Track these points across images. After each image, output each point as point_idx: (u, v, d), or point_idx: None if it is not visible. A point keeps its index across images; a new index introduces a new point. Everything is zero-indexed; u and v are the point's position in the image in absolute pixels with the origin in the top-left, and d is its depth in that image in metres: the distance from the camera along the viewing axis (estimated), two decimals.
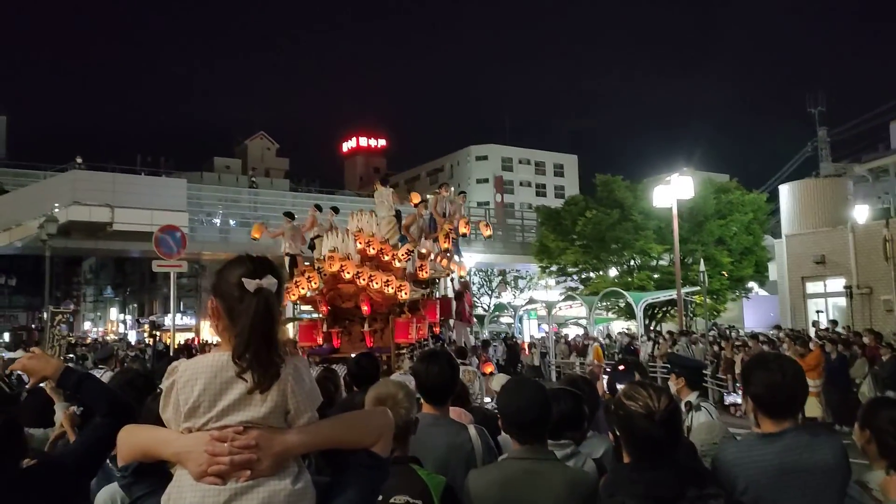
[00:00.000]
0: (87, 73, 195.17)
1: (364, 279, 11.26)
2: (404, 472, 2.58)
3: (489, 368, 12.87)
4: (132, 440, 1.78)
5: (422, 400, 3.41)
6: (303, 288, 12.02)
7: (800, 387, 2.58)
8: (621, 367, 3.68)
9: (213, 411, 1.65)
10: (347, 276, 11.30)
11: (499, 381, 7.62)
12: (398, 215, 13.45)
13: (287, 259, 13.88)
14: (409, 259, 11.90)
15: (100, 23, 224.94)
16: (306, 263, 13.49)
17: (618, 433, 2.32)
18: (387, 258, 11.94)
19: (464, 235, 14.88)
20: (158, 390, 3.39)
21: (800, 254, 25.32)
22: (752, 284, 32.81)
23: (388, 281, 11.23)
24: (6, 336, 43.30)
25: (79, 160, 29.90)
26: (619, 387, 3.27)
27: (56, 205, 23.50)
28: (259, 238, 14.78)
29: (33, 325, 40.58)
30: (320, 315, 12.61)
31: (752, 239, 30.44)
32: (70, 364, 2.81)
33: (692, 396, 4.77)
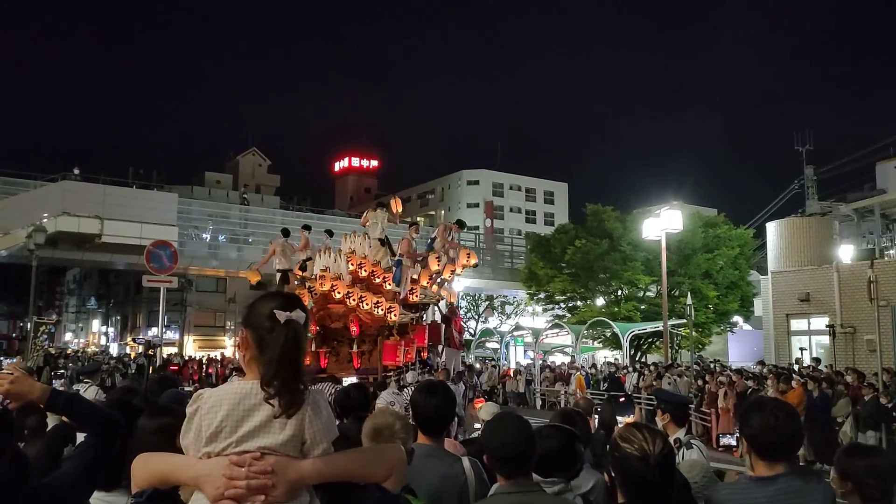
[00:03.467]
0: (80, 85, 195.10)
1: (354, 299, 11.27)
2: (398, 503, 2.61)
3: (480, 404, 12.83)
4: (149, 467, 1.82)
5: (418, 430, 3.45)
6: None
7: (794, 431, 2.63)
8: (621, 400, 3.71)
9: (233, 437, 1.72)
10: (338, 296, 11.31)
11: (487, 410, 7.62)
12: (384, 242, 13.47)
13: (278, 275, 13.83)
14: (411, 289, 11.88)
15: (93, 35, 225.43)
16: (296, 282, 13.46)
17: (613, 474, 2.36)
18: (378, 280, 11.96)
19: (475, 265, 14.87)
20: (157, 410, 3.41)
21: (785, 291, 25.58)
22: (736, 318, 33.05)
23: (378, 302, 11.25)
24: None
25: (76, 171, 29.81)
26: (620, 419, 3.30)
27: (45, 215, 23.36)
28: (255, 282, 14.37)
29: (14, 335, 40.13)
30: (309, 334, 12.57)
31: (738, 273, 30.72)
32: (56, 386, 2.81)
33: (680, 433, 4.82)
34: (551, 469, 3.22)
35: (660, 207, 25.63)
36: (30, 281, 21.17)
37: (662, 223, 23.28)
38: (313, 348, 12.10)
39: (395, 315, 11.38)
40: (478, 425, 7.22)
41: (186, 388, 6.48)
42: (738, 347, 32.91)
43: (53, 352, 26.81)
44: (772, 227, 27.60)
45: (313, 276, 11.92)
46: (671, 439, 4.75)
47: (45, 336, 22.30)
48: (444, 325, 14.34)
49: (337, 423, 2.03)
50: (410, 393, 10.02)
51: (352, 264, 11.83)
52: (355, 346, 11.78)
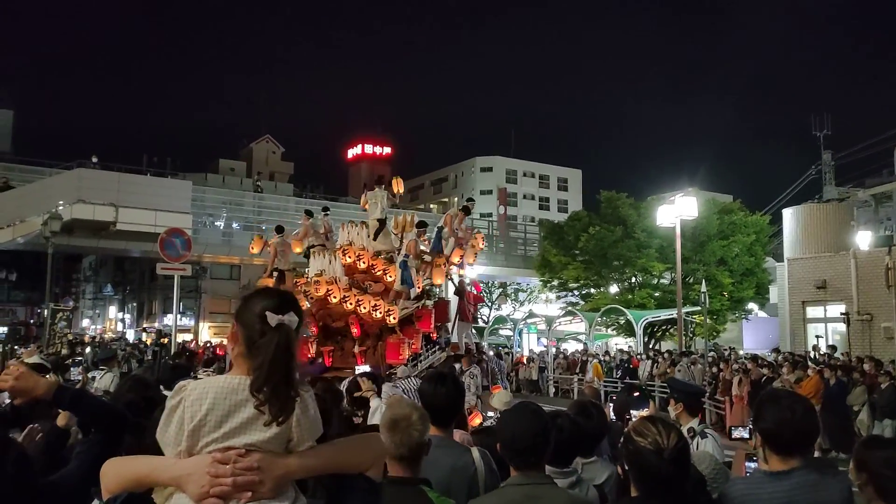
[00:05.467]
0: (95, 72, 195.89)
1: (351, 303, 11.16)
2: (415, 494, 2.59)
3: (497, 390, 12.75)
4: (123, 470, 1.78)
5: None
6: None
7: (810, 425, 2.57)
8: (636, 394, 3.66)
9: (217, 432, 1.68)
10: (334, 300, 11.20)
11: (500, 398, 7.58)
12: (382, 222, 13.16)
13: (275, 275, 13.62)
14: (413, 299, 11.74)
15: (108, 23, 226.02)
16: (296, 280, 13.20)
17: (626, 467, 2.32)
18: (378, 272, 11.81)
19: (481, 250, 14.51)
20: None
21: (801, 278, 25.33)
22: (752, 306, 32.83)
23: (375, 305, 11.14)
24: (3, 330, 43.29)
25: (94, 159, 29.96)
26: (634, 413, 3.26)
27: (61, 202, 23.53)
28: (258, 252, 14.47)
29: (31, 321, 40.56)
30: (310, 334, 12.49)
31: (754, 260, 30.48)
32: (74, 373, 2.82)
33: (693, 422, 4.77)
34: (566, 455, 3.20)
35: (674, 194, 25.43)
36: (46, 268, 21.46)
37: (677, 210, 23.10)
38: (315, 347, 12.04)
39: (394, 317, 11.27)
40: (491, 413, 7.19)
41: (200, 374, 6.50)
42: (753, 335, 32.67)
43: (72, 337, 27.08)
44: (788, 214, 27.30)
45: (309, 281, 11.77)
46: (685, 429, 4.72)
47: (64, 323, 22.51)
48: (458, 299, 14.02)
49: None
50: (402, 385, 10.03)
51: (349, 256, 11.68)
52: (357, 346, 11.67)
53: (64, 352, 15.27)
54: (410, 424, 2.62)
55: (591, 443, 3.65)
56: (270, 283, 14.12)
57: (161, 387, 5.88)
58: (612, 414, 4.52)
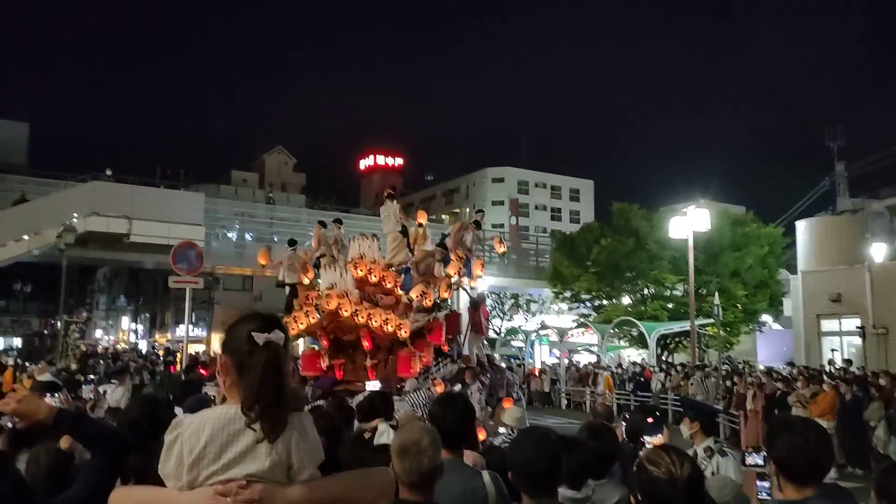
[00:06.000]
0: (107, 84, 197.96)
1: (363, 317, 11.16)
2: None
3: (508, 404, 12.64)
4: (128, 501, 1.80)
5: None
6: (301, 323, 11.92)
7: (824, 453, 2.53)
8: (649, 420, 3.62)
9: (217, 464, 1.68)
10: (345, 314, 11.19)
11: (511, 414, 7.54)
12: (404, 231, 13.20)
13: (287, 289, 13.61)
14: (420, 298, 11.72)
15: (119, 35, 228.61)
16: (307, 294, 13.16)
17: (639, 497, 2.29)
18: (389, 285, 11.81)
19: (503, 254, 14.37)
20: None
21: (815, 291, 25.13)
22: (765, 318, 32.58)
23: (386, 319, 11.13)
24: (18, 341, 43.71)
25: (108, 172, 30.30)
26: (647, 439, 3.23)
27: (75, 215, 23.73)
28: (266, 264, 14.45)
29: (45, 331, 40.89)
30: (322, 346, 12.47)
31: (768, 272, 30.28)
32: (86, 391, 2.82)
33: (708, 441, 4.74)
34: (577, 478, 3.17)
35: (687, 205, 25.33)
36: (60, 280, 21.63)
37: (689, 223, 22.99)
38: (327, 361, 12.03)
39: (405, 331, 11.24)
40: (502, 429, 7.13)
41: (210, 389, 6.49)
42: (767, 347, 32.41)
43: (85, 348, 27.24)
44: (801, 226, 27.12)
45: (320, 293, 11.78)
46: (701, 447, 4.68)
47: (78, 335, 22.67)
48: (471, 310, 13.96)
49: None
50: (411, 399, 9.97)
51: (360, 270, 11.69)
52: (368, 360, 11.64)
53: (74, 366, 15.30)
54: (420, 451, 2.57)
55: (602, 465, 3.62)
56: (265, 259, 14.06)
57: (173, 403, 5.93)
58: (624, 434, 4.48)
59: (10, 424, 3.45)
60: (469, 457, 3.77)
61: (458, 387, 10.78)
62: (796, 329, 26.97)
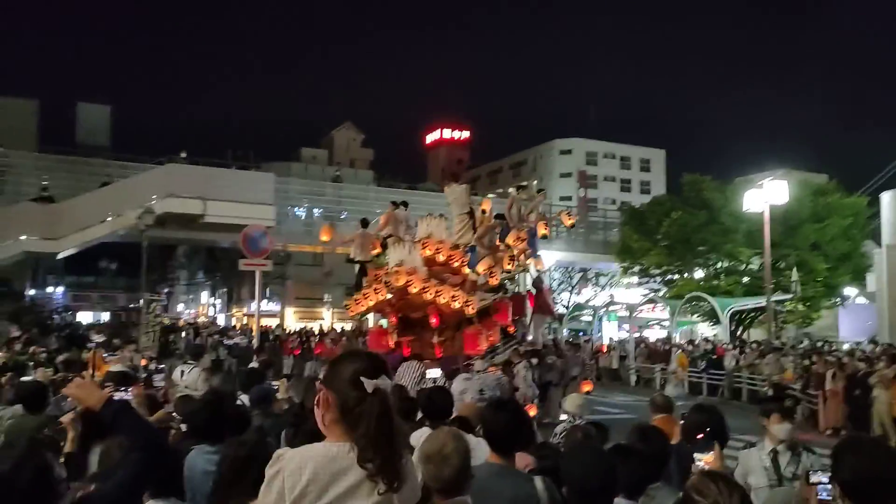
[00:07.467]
0: (182, 67, 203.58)
1: (430, 294, 11.21)
2: None
3: (587, 387, 12.57)
4: None
5: (488, 447, 3.38)
6: (371, 300, 12.10)
7: (894, 475, 2.39)
8: (699, 436, 3.51)
9: (322, 501, 1.70)
10: (414, 290, 11.27)
11: (572, 401, 7.43)
12: (471, 213, 13.15)
13: (357, 267, 13.82)
14: (485, 273, 11.70)
15: (190, 17, 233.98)
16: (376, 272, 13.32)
17: None
18: (456, 264, 11.81)
19: (544, 237, 14.15)
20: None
21: None
22: (850, 291, 31.15)
23: (454, 296, 11.15)
24: (106, 316, 46.05)
25: (182, 154, 31.38)
26: (697, 457, 3.14)
27: (153, 197, 24.69)
28: (328, 240, 14.67)
29: (131, 306, 42.93)
30: (390, 323, 12.64)
31: (851, 245, 28.88)
32: (113, 395, 2.91)
33: (786, 426, 4.65)
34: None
35: (764, 176, 24.33)
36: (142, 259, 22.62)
37: (766, 195, 22.09)
38: (395, 338, 12.18)
39: (472, 308, 11.25)
40: (563, 416, 7.01)
41: (274, 383, 6.68)
42: (850, 322, 30.99)
43: (168, 322, 28.43)
44: (886, 198, 25.68)
45: (389, 270, 11.90)
46: (779, 437, 4.54)
47: (160, 309, 23.69)
48: (536, 291, 13.88)
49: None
50: (481, 379, 10.01)
51: (428, 249, 11.73)
52: (436, 337, 11.74)
53: (153, 343, 15.96)
54: (443, 459, 2.53)
55: (656, 467, 3.53)
56: (329, 235, 14.18)
57: (238, 393, 6.13)
58: (679, 433, 4.36)
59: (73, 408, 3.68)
60: (521, 459, 3.74)
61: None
62: (880, 305, 25.68)
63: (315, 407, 1.87)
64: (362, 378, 1.74)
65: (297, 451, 1.78)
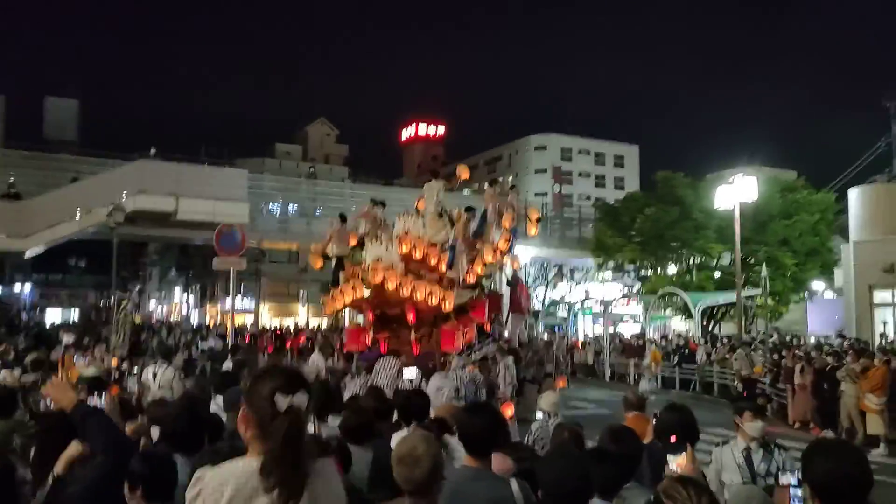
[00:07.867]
0: (153, 61, 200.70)
1: (407, 290, 11.20)
2: None
3: (562, 384, 12.60)
4: None
5: (464, 451, 3.41)
6: (348, 296, 12.04)
7: (862, 476, 2.46)
8: (672, 438, 3.56)
9: None
10: (391, 287, 11.26)
11: (547, 399, 7.48)
12: (443, 213, 13.04)
13: (334, 261, 13.70)
14: (467, 270, 11.70)
15: (161, 11, 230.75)
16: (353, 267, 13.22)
17: None
18: (433, 262, 11.81)
19: (538, 221, 14.14)
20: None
21: (868, 261, 24.30)
22: (818, 286, 31.73)
23: (430, 293, 11.15)
24: (76, 314, 45.40)
25: (152, 151, 31.05)
26: (671, 458, 3.19)
27: (125, 193, 24.35)
28: (320, 267, 14.35)
29: (101, 303, 42.33)
30: (367, 320, 12.58)
31: (819, 240, 29.42)
32: (84, 400, 2.91)
33: (758, 424, 4.75)
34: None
35: (734, 172, 24.67)
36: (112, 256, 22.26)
37: (736, 192, 22.40)
38: (371, 336, 12.16)
39: (448, 304, 11.27)
40: (539, 414, 7.04)
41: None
42: (818, 316, 31.54)
43: (139, 321, 28.07)
44: (854, 194, 26.15)
45: (366, 267, 11.86)
46: (752, 435, 4.63)
47: (132, 307, 23.36)
48: (509, 290, 13.93)
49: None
50: (456, 377, 10.03)
51: (405, 246, 11.73)
52: (413, 333, 11.73)
53: (123, 342, 15.71)
54: (415, 461, 2.55)
55: (629, 468, 3.58)
56: (319, 262, 14.10)
57: (213, 394, 6.07)
58: (651, 431, 4.42)
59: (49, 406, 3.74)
60: (497, 460, 3.75)
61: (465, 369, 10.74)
62: (847, 300, 26.19)
63: (238, 424, 1.92)
64: (277, 395, 1.77)
65: (217, 470, 1.81)
